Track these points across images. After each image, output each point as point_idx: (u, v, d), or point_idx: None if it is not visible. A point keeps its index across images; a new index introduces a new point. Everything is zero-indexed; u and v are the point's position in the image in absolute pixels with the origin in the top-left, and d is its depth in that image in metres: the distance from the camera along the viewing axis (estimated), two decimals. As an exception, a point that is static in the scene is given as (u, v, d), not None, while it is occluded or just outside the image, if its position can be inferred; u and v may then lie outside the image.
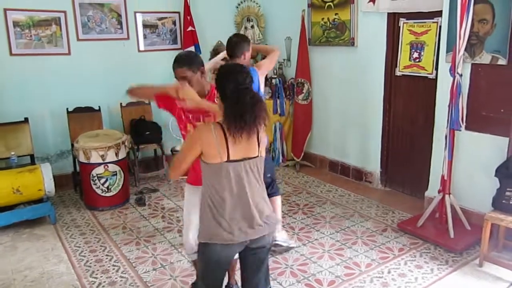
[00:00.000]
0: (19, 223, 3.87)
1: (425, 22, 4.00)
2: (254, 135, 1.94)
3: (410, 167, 4.39)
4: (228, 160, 1.93)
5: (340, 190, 4.68)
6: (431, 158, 3.94)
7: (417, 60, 4.12)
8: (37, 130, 4.59)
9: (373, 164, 4.71)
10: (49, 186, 3.88)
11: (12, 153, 4.07)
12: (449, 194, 3.52)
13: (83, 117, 4.72)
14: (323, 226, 3.82)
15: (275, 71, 5.54)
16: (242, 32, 5.66)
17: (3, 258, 3.39)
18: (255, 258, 2.08)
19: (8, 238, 3.72)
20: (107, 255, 3.40)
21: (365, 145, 4.78)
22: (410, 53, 4.16)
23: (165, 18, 5.32)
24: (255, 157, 1.99)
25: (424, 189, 4.05)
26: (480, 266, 3.11)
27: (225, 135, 1.91)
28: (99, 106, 4.87)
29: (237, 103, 1.88)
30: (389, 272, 3.07)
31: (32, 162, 4.35)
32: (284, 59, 5.58)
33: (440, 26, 3.75)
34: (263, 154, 2.05)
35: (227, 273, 2.55)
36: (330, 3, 4.79)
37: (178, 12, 5.34)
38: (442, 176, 3.55)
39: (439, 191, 3.60)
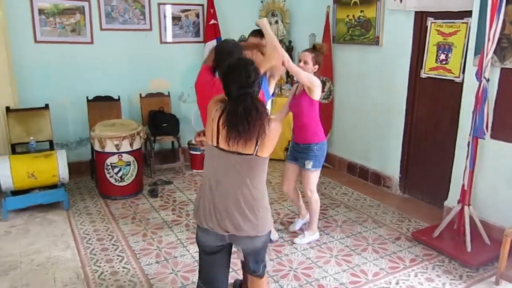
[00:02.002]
0: (33, 207, 3.95)
1: (454, 23, 3.79)
2: (253, 140, 1.88)
3: (431, 174, 4.20)
4: (217, 146, 1.92)
5: (356, 193, 4.53)
6: (453, 166, 3.74)
7: (444, 62, 3.92)
8: (57, 117, 4.67)
9: (393, 169, 4.53)
10: (64, 172, 3.94)
11: (31, 138, 4.15)
12: (469, 205, 3.33)
13: (102, 106, 4.77)
14: (334, 230, 3.71)
15: (297, 68, 5.42)
16: (266, 27, 5.56)
17: (15, 240, 3.47)
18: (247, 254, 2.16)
19: (22, 221, 3.80)
20: (113, 244, 3.42)
21: (385, 148, 4.61)
22: (437, 55, 3.96)
23: (189, 10, 5.29)
24: (248, 155, 1.91)
25: (444, 198, 3.86)
26: (496, 284, 2.92)
27: (218, 123, 1.89)
28: (118, 96, 4.90)
29: (238, 110, 1.84)
30: (397, 283, 2.93)
31: (51, 148, 4.43)
32: (307, 56, 5.44)
33: (470, 27, 3.54)
34: (264, 155, 1.94)
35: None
36: (356, 0, 4.63)
37: (202, 5, 5.31)
38: (463, 186, 3.36)
39: (458, 202, 3.41)
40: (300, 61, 3.22)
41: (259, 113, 1.85)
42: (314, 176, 3.33)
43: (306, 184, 3.34)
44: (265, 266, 2.24)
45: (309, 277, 2.99)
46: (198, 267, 2.25)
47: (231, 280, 2.78)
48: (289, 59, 2.98)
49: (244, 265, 2.28)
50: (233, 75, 1.91)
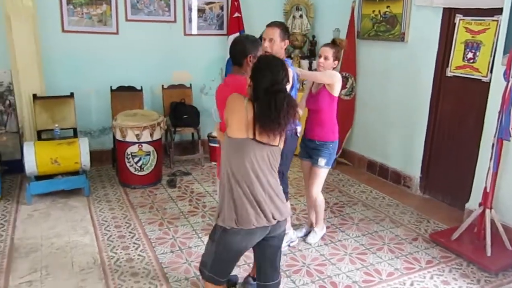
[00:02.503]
0: (56, 193, 4.07)
1: (483, 20, 3.67)
2: (283, 132, 2.00)
3: (453, 175, 4.10)
4: (254, 139, 1.98)
5: (375, 192, 4.47)
6: (476, 167, 3.64)
7: (471, 61, 3.80)
8: (82, 106, 4.77)
9: (414, 168, 4.44)
10: (85, 159, 4.03)
11: (56, 125, 4.26)
12: (491, 208, 3.23)
13: (125, 96, 4.84)
14: (350, 227, 3.67)
15: (320, 63, 5.37)
16: (289, 21, 5.53)
17: (37, 224, 3.58)
18: (272, 246, 2.16)
19: (45, 205, 3.92)
20: (130, 232, 3.48)
21: (407, 147, 4.52)
22: (464, 53, 3.85)
23: (213, 3, 5.30)
24: (275, 146, 2.04)
25: (465, 200, 3.76)
26: (515, 291, 2.84)
27: (254, 115, 1.96)
28: (141, 86, 4.97)
29: (272, 107, 1.92)
30: (411, 285, 2.88)
31: (75, 136, 4.53)
32: (330, 52, 5.38)
33: (500, 25, 3.42)
34: (282, 145, 2.09)
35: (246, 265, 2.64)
36: (383, -5, 4.55)
37: (226, -2, 5.31)
38: (485, 188, 3.27)
39: (480, 204, 3.32)
40: (320, 56, 3.17)
41: (291, 108, 1.95)
42: (324, 173, 3.24)
43: (315, 181, 3.24)
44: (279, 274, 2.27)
45: (322, 273, 2.98)
46: (211, 260, 2.17)
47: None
48: (300, 69, 3.01)
49: (260, 277, 2.25)
50: (264, 71, 1.98)
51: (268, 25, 3.02)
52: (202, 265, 2.22)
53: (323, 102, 3.14)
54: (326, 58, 3.11)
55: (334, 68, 3.18)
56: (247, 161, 1.99)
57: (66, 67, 4.70)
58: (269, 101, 1.92)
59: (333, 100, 3.17)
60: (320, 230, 3.45)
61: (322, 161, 3.18)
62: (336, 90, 3.14)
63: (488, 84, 3.59)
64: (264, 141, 1.99)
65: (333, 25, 5.30)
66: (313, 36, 5.62)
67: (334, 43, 3.17)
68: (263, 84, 1.96)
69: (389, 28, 4.54)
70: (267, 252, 2.18)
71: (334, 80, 3.08)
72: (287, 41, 2.94)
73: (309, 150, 3.25)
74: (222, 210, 2.06)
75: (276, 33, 2.87)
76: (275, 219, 2.05)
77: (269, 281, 2.23)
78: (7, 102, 4.50)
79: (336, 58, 3.14)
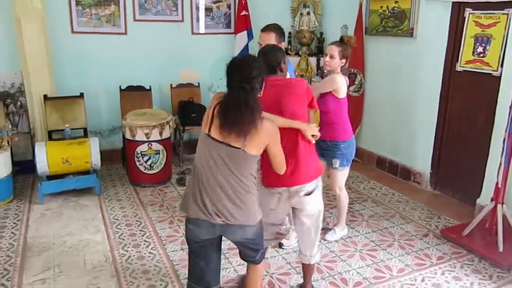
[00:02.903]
0: (68, 192, 4.12)
1: (493, 14, 3.63)
2: (243, 134, 1.93)
3: (464, 171, 4.06)
4: (208, 134, 1.98)
5: (385, 188, 4.45)
6: (487, 162, 3.61)
7: (481, 55, 3.76)
8: (92, 105, 4.81)
9: (423, 164, 4.42)
10: (96, 159, 4.07)
11: (67, 125, 4.31)
12: (502, 203, 3.21)
13: (134, 95, 4.88)
14: (360, 224, 3.66)
15: (328, 60, 5.35)
16: (297, 18, 5.52)
17: (49, 223, 3.62)
18: (241, 250, 2.24)
19: (57, 204, 3.97)
20: (141, 230, 3.51)
21: (417, 143, 4.49)
22: (474, 47, 3.81)
23: (220, 1, 5.31)
24: (236, 148, 1.96)
25: (476, 195, 3.73)
26: (528, 286, 2.81)
27: (213, 111, 1.97)
28: (150, 86, 5.00)
29: (227, 103, 1.93)
30: (422, 281, 2.87)
31: (85, 135, 4.58)
32: (338, 48, 5.36)
33: (510, 18, 3.38)
34: (250, 152, 1.98)
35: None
36: (391, -10, 4.52)
37: (234, -4, 5.32)
38: (496, 184, 3.24)
39: (491, 200, 3.29)
40: (327, 55, 3.15)
41: (250, 108, 1.89)
42: (341, 174, 3.24)
43: (334, 182, 3.27)
44: (263, 254, 2.29)
45: (332, 270, 2.98)
46: (188, 266, 2.22)
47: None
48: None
49: (241, 255, 2.29)
50: (235, 69, 1.97)
51: (263, 30, 3.04)
52: None
53: (330, 104, 3.12)
54: (332, 57, 3.08)
55: (342, 67, 3.13)
56: (202, 155, 2.02)
57: (75, 67, 4.75)
58: (232, 97, 1.93)
59: (340, 101, 3.12)
60: (340, 230, 3.43)
61: (336, 163, 3.17)
62: (342, 93, 3.09)
63: (498, 78, 3.55)
64: (218, 138, 1.96)
65: (341, 21, 5.28)
66: (321, 33, 5.61)
67: (341, 41, 3.14)
68: (232, 81, 1.96)
69: (397, 23, 4.51)
70: (241, 254, 2.27)
71: (335, 87, 3.05)
72: (283, 43, 2.98)
73: (323, 151, 3.18)
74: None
75: (271, 37, 2.89)
76: (220, 219, 2.00)
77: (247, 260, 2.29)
78: (19, 103, 4.56)
79: (343, 56, 3.08)
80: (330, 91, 3.08)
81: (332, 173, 3.27)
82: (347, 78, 3.18)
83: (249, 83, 1.93)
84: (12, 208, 3.87)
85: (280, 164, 2.15)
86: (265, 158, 2.16)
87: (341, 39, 3.17)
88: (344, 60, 3.10)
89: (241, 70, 1.96)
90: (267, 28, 3.01)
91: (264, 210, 2.24)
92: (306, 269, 2.64)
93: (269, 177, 2.34)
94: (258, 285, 2.33)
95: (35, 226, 3.55)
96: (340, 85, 3.06)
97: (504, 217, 3.18)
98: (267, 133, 2.00)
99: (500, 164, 3.21)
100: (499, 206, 3.20)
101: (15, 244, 3.26)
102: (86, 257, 3.10)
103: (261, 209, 2.17)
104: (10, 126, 4.07)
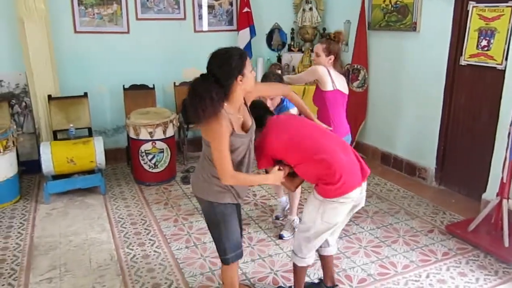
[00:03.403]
0: (73, 191, 4.14)
1: (497, 6, 3.59)
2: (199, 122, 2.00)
3: (469, 166, 4.03)
4: None
5: (389, 184, 4.43)
6: (492, 157, 3.58)
7: (486, 48, 3.73)
8: (96, 105, 4.84)
9: (428, 160, 4.39)
10: (100, 158, 4.09)
11: (71, 125, 4.33)
12: (508, 198, 3.18)
13: (137, 94, 4.89)
14: (364, 220, 3.65)
15: (331, 56, 5.33)
16: (299, 14, 5.50)
17: (55, 222, 3.65)
18: None
19: (62, 204, 4.00)
20: (145, 229, 3.53)
21: (421, 138, 4.47)
22: (478, 41, 3.77)
23: (222, -2, 5.31)
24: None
25: (482, 190, 3.71)
26: (534, 282, 2.79)
27: None
28: (153, 85, 5.01)
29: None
30: (427, 277, 2.86)
31: (90, 135, 4.60)
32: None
33: (514, 11, 3.35)
34: (207, 138, 2.07)
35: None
36: (393, -15, 4.48)
37: (236, -7, 5.31)
38: (502, 178, 3.22)
39: (497, 195, 3.27)
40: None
41: (197, 97, 1.93)
42: None
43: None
44: (226, 257, 2.25)
45: (337, 267, 2.97)
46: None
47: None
48: (288, 76, 3.29)
49: None
50: (211, 59, 2.02)
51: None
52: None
53: (316, 100, 3.13)
54: (317, 55, 3.08)
55: (334, 63, 3.09)
56: None
57: (79, 67, 4.77)
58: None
59: (323, 95, 3.06)
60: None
61: None
62: (324, 85, 3.03)
63: (502, 71, 3.52)
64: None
65: (343, 17, 5.26)
66: (324, 29, 5.58)
67: (328, 38, 3.12)
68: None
69: (400, 18, 4.48)
70: None
71: (316, 76, 3.03)
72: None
73: None
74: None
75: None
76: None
77: None
78: (23, 103, 4.60)
79: (329, 52, 3.04)
80: (317, 85, 3.08)
81: None
82: (335, 73, 3.10)
83: (213, 74, 1.99)
84: (18, 208, 3.90)
85: (218, 168, 2.04)
86: (311, 172, 2.21)
87: (328, 35, 3.17)
88: (332, 56, 3.06)
89: (214, 60, 2.01)
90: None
91: (328, 226, 2.26)
92: (331, 260, 2.64)
93: (343, 183, 2.13)
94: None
95: (41, 226, 3.58)
96: (321, 76, 3.01)
97: (510, 212, 3.16)
98: (207, 131, 2.04)
99: (505, 158, 3.18)
100: (504, 201, 3.18)
101: (21, 244, 3.29)
102: (91, 256, 3.12)
103: (326, 225, 2.26)
104: (15, 126, 4.10)
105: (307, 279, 2.74)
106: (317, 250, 2.51)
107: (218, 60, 1.99)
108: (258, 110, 2.36)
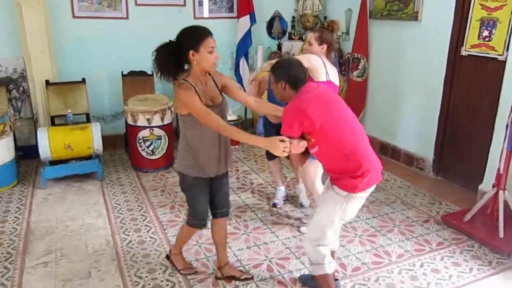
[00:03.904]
0: (71, 177, 4.15)
1: (500, -4, 3.55)
2: None
3: (468, 157, 4.03)
4: None
5: (387, 174, 4.43)
6: (490, 148, 3.57)
7: (487, 39, 3.69)
8: (94, 91, 4.82)
9: (427, 150, 4.38)
10: (98, 144, 4.09)
11: (69, 111, 4.32)
12: (504, 189, 3.18)
13: (136, 80, 4.87)
14: (360, 210, 3.56)
15: (331, 44, 5.30)
16: (300, 2, 5.44)
17: (52, 207, 3.66)
18: None
19: (60, 189, 4.00)
20: (142, 215, 3.54)
21: (420, 129, 4.45)
22: (480, 31, 3.73)
23: (223, -15, 5.25)
24: None
25: (479, 182, 3.70)
26: (528, 272, 2.80)
27: None
28: (152, 71, 4.97)
29: None
30: (421, 266, 2.87)
31: (88, 121, 4.59)
32: (342, 33, 5.30)
33: (517, 1, 3.31)
34: (176, 110, 2.33)
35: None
36: (395, -27, 4.42)
37: (236, -20, 5.24)
38: (498, 169, 3.21)
39: (493, 186, 3.27)
40: None
41: (156, 58, 2.24)
42: (310, 167, 3.00)
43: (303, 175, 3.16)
44: (189, 220, 2.55)
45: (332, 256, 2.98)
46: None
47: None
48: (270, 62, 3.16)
49: None
50: (181, 30, 2.28)
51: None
52: None
53: None
54: (309, 44, 3.04)
55: (327, 52, 3.03)
56: None
57: (77, 53, 4.74)
58: None
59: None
60: None
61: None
62: (319, 75, 2.92)
63: (503, 62, 3.49)
64: None
65: (345, 5, 5.21)
66: (325, 17, 5.53)
67: (321, 27, 3.09)
68: None
69: (402, 7, 4.43)
70: None
71: (309, 64, 2.85)
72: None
73: None
74: None
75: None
76: None
77: None
78: (21, 88, 4.58)
79: (322, 41, 2.98)
80: (308, 75, 2.94)
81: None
82: (329, 63, 3.02)
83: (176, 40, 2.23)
84: (15, 193, 3.91)
85: (209, 124, 2.18)
86: (337, 164, 2.14)
87: (322, 25, 3.13)
88: (325, 46, 3.00)
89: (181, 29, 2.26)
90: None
91: (340, 223, 2.28)
92: (334, 255, 2.63)
93: (370, 178, 2.13)
94: (178, 240, 2.74)
95: (38, 211, 3.59)
96: (315, 65, 2.91)
97: (506, 203, 3.16)
98: (177, 102, 2.24)
99: (503, 150, 3.17)
100: (500, 192, 3.18)
101: (18, 228, 3.30)
102: (87, 241, 3.14)
103: (339, 223, 2.26)
104: (12, 111, 4.09)
105: (307, 271, 2.75)
106: None
107: (182, 32, 2.24)
108: (296, 71, 2.26)
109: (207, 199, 2.50)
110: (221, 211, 2.58)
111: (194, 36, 2.21)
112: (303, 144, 2.16)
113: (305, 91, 2.20)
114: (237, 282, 2.68)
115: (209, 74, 2.33)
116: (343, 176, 2.14)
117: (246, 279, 2.70)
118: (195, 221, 2.53)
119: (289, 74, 2.23)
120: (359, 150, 2.12)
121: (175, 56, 2.21)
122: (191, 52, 2.19)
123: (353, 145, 2.12)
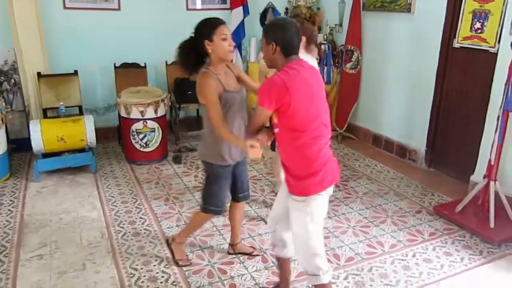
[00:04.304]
0: (63, 170, 4.13)
1: (492, -12, 3.57)
2: None
3: (460, 148, 4.07)
4: None
5: (380, 166, 4.47)
6: (481, 140, 3.61)
7: (479, 31, 3.72)
8: (86, 83, 4.78)
9: (419, 142, 4.42)
10: (91, 136, 4.07)
11: (61, 103, 4.28)
12: (495, 180, 3.23)
13: (129, 72, 4.83)
14: (354, 201, 3.69)
15: (325, 36, 5.29)
16: (294, -7, 5.43)
17: (45, 200, 3.65)
18: None
19: (53, 182, 3.99)
20: (136, 207, 3.54)
21: (413, 120, 4.49)
22: (472, 23, 3.76)
23: (216, -24, 5.21)
24: None
25: (470, 173, 3.75)
26: (518, 261, 2.86)
27: None
28: (145, 63, 4.95)
29: None
30: (413, 256, 2.91)
31: (80, 113, 4.56)
32: (336, 24, 5.30)
33: (509, -7, 3.33)
34: (201, 101, 2.36)
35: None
36: (389, -36, 4.42)
37: (229, -30, 5.21)
38: (489, 161, 3.25)
39: (484, 176, 3.31)
40: None
41: (179, 53, 2.38)
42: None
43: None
44: (206, 206, 2.57)
45: (325, 246, 2.97)
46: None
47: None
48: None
49: None
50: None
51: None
52: None
53: None
54: None
55: (305, 44, 3.02)
56: None
57: (69, 44, 4.69)
58: None
59: None
60: None
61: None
62: None
63: (495, 55, 3.52)
64: None
65: (338, -3, 5.19)
66: (318, 9, 5.52)
67: (304, 18, 3.07)
68: None
69: (395, -2, 4.44)
70: None
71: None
72: None
73: None
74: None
75: None
76: None
77: None
78: (12, 80, 4.53)
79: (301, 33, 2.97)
80: None
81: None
82: (307, 57, 2.89)
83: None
84: (8, 186, 3.89)
85: (211, 117, 2.29)
86: (289, 155, 2.03)
87: (305, 16, 3.08)
88: (303, 38, 2.83)
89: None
90: None
91: (320, 225, 2.09)
92: (289, 262, 2.48)
93: (322, 179, 2.01)
94: (188, 229, 2.81)
95: (31, 203, 3.58)
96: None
97: (496, 194, 3.21)
98: (198, 90, 2.29)
99: (494, 141, 3.21)
100: (491, 183, 3.22)
101: (12, 221, 3.29)
102: (82, 234, 3.13)
103: (318, 226, 2.07)
104: (4, 104, 4.05)
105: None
106: (274, 250, 2.41)
107: (197, 25, 2.34)
108: (292, 34, 1.98)
109: (229, 187, 2.60)
110: (244, 195, 2.72)
111: (207, 26, 2.31)
112: (271, 134, 2.05)
113: (294, 67, 1.95)
114: (232, 273, 2.70)
115: (227, 65, 2.43)
116: (294, 175, 2.03)
117: (256, 255, 2.87)
118: (212, 208, 2.57)
119: (283, 36, 1.95)
120: (314, 149, 1.96)
121: (195, 50, 2.32)
122: (206, 42, 2.28)
123: (310, 142, 1.96)
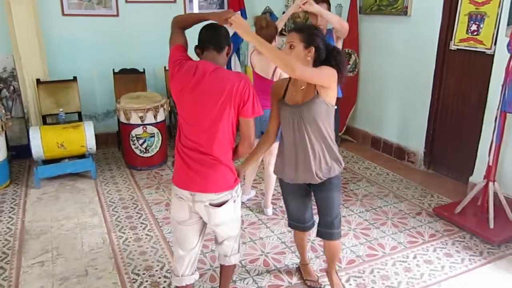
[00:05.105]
0: (64, 176, 4.14)
1: (488, -9, 3.60)
2: None
3: (458, 150, 4.10)
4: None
5: (379, 168, 4.49)
6: (479, 141, 3.64)
7: (475, 33, 3.75)
8: (85, 89, 4.79)
9: (417, 144, 4.44)
10: (91, 143, 4.08)
11: (61, 109, 4.29)
12: (494, 181, 3.25)
13: (127, 78, 4.85)
14: (354, 203, 3.70)
15: (322, 40, 5.32)
16: (291, -3, 5.46)
17: (46, 206, 3.65)
18: None
19: (53, 188, 3.99)
20: (137, 212, 3.55)
21: (411, 122, 4.51)
22: (468, 25, 3.79)
23: (213, -19, 5.24)
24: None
25: (469, 174, 3.77)
26: (518, 262, 2.88)
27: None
28: (143, 69, 4.97)
29: None
30: (414, 257, 2.93)
31: (80, 120, 4.57)
32: (333, 28, 5.31)
33: (504, -5, 3.36)
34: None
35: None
36: (385, -32, 4.46)
37: (226, -25, 5.24)
38: (488, 162, 3.28)
39: (483, 177, 3.33)
40: None
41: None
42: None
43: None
44: (288, 220, 2.54)
45: (326, 249, 3.02)
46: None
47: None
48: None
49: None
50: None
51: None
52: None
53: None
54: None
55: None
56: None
57: (68, 51, 4.71)
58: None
59: (264, 81, 3.28)
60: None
61: None
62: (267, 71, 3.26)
63: (491, 56, 3.55)
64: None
65: (335, 0, 5.21)
66: (315, 13, 5.54)
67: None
68: None
69: (391, 2, 4.47)
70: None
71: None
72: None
73: None
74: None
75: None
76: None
77: None
78: (12, 87, 4.54)
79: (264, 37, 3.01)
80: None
81: None
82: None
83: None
84: (9, 193, 3.89)
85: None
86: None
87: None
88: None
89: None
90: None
91: (176, 224, 2.21)
92: (232, 269, 2.44)
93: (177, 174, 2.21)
94: (334, 257, 2.53)
95: (32, 210, 3.58)
96: (253, 61, 3.25)
97: (496, 195, 3.23)
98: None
99: (492, 142, 3.23)
100: (490, 184, 3.24)
101: (13, 228, 3.29)
102: (83, 240, 3.14)
103: (174, 221, 2.21)
104: (3, 111, 4.06)
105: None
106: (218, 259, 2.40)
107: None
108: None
109: (298, 205, 2.41)
110: (320, 230, 2.37)
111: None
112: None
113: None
114: (235, 277, 2.71)
115: None
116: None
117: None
118: (291, 222, 2.52)
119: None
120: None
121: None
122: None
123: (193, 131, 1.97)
